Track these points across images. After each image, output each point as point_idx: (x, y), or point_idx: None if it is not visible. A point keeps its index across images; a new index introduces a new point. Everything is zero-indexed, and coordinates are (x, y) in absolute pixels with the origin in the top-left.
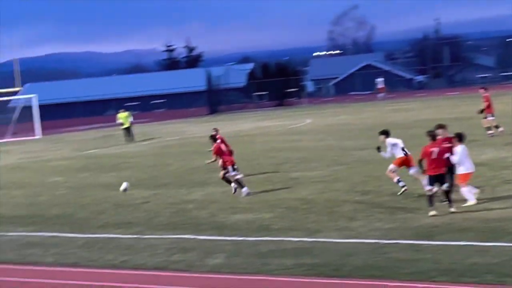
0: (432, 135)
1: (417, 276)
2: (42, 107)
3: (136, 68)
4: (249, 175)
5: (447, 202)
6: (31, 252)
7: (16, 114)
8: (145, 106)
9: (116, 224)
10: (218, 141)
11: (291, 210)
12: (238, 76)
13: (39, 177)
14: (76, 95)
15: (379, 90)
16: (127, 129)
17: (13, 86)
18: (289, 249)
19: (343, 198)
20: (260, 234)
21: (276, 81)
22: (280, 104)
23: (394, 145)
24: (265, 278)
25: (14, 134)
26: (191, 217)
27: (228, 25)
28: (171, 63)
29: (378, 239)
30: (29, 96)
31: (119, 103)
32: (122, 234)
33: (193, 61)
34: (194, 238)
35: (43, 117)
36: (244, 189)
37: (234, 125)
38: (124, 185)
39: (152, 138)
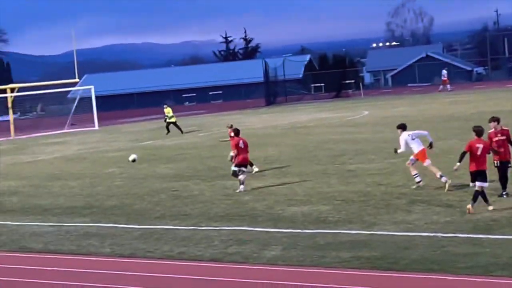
0: (478, 131)
1: (475, 270)
2: (100, 98)
3: (194, 59)
4: (305, 167)
5: (484, 201)
6: (88, 243)
7: (74, 105)
8: (202, 97)
9: (173, 215)
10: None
11: (348, 202)
12: (295, 68)
13: (96, 167)
14: (134, 86)
15: (443, 82)
16: (174, 124)
17: (72, 78)
18: (345, 242)
19: (400, 191)
20: (316, 227)
21: (333, 73)
22: (337, 96)
23: (411, 139)
24: (322, 270)
25: (72, 125)
26: (248, 209)
27: (285, 16)
28: (228, 55)
29: (435, 232)
30: (87, 88)
31: (176, 95)
32: (179, 226)
33: (250, 52)
34: (250, 230)
35: (100, 108)
36: (242, 187)
37: (291, 117)
38: (133, 156)
39: (210, 130)
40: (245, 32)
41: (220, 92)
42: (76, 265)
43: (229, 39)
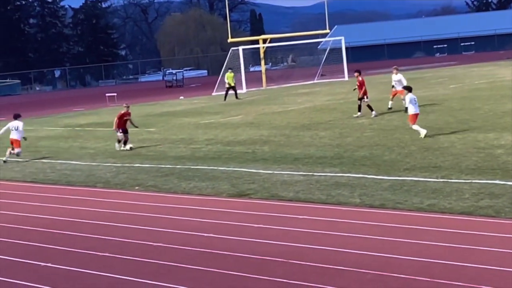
0: None
1: None
2: (350, 49)
3: (446, 10)
4: None
5: None
6: (338, 193)
7: (324, 56)
8: (453, 48)
9: (423, 167)
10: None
11: None
12: None
13: (346, 118)
14: (384, 37)
15: None
16: (233, 88)
17: (323, 29)
18: None
19: None
20: None
21: None
22: None
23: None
24: None
25: (322, 75)
26: (500, 162)
27: None
28: (481, 5)
29: None
30: (337, 38)
31: (427, 46)
32: (429, 178)
33: (504, 2)
34: (503, 184)
35: (350, 59)
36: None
37: None
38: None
39: (461, 82)
40: None
41: (472, 43)
42: (326, 214)
43: None
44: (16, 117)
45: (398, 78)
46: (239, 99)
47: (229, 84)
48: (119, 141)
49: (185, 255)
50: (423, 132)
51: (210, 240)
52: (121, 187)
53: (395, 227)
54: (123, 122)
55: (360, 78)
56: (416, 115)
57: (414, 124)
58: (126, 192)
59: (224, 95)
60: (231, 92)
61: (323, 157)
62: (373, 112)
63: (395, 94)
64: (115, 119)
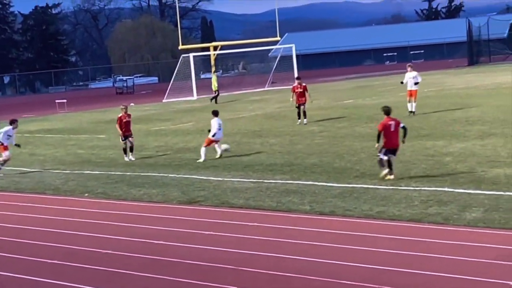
0: (386, 111)
1: None
2: (300, 57)
3: (396, 18)
4: (509, 129)
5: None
6: (288, 200)
7: (275, 64)
8: (403, 56)
9: (373, 174)
10: None
11: None
12: (500, 27)
13: (296, 126)
14: (334, 45)
15: None
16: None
17: (273, 36)
18: None
19: None
20: None
21: None
22: None
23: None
24: None
25: (273, 83)
26: (449, 169)
27: None
28: (431, 13)
29: None
30: (288, 46)
31: (377, 54)
32: (378, 185)
33: (453, 11)
34: (451, 191)
35: (301, 67)
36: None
37: (495, 77)
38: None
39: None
40: None
41: (422, 51)
42: (276, 222)
43: None
44: None
45: (413, 75)
46: (216, 103)
47: (215, 86)
48: (125, 151)
49: (135, 262)
50: (203, 158)
51: (160, 247)
52: (70, 194)
53: (344, 234)
54: (125, 126)
55: (303, 85)
56: (216, 141)
57: (207, 146)
58: (75, 199)
59: (215, 98)
60: (216, 94)
61: (274, 164)
62: (305, 120)
63: (411, 94)
64: (116, 126)
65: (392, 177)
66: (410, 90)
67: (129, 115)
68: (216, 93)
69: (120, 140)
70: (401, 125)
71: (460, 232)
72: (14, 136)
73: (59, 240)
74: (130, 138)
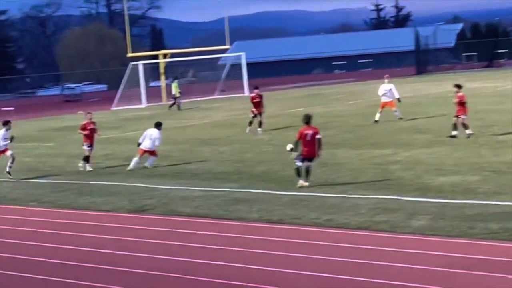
0: (305, 120)
1: None
2: (250, 65)
3: (344, 27)
4: (454, 137)
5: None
6: (236, 208)
7: (225, 72)
8: (351, 65)
9: (321, 183)
10: None
11: (498, 173)
12: (447, 36)
13: (246, 134)
14: (284, 53)
15: None
16: (176, 98)
17: (223, 44)
18: (495, 213)
19: None
20: (465, 197)
21: (485, 42)
22: (489, 65)
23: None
24: (470, 241)
25: (222, 91)
26: (396, 178)
27: None
28: (379, 23)
29: None
30: (238, 54)
31: (326, 62)
32: (327, 193)
33: (401, 20)
34: (398, 199)
35: (251, 75)
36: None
37: (442, 86)
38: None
39: (359, 98)
40: (396, 0)
41: (370, 60)
42: (224, 230)
43: (380, 7)
44: None
45: (389, 88)
46: (180, 110)
47: (175, 94)
48: (85, 159)
49: (82, 271)
50: (131, 167)
51: (108, 256)
52: (16, 203)
53: (292, 242)
54: (89, 134)
55: (260, 94)
56: (150, 151)
57: (141, 156)
58: (21, 208)
59: (172, 105)
60: (173, 101)
61: (223, 172)
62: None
63: (384, 106)
64: (79, 132)
65: (306, 184)
66: (385, 102)
67: (93, 123)
68: (174, 101)
69: (85, 147)
70: (317, 136)
71: (407, 240)
72: (9, 135)
73: (3, 250)
74: (91, 148)
